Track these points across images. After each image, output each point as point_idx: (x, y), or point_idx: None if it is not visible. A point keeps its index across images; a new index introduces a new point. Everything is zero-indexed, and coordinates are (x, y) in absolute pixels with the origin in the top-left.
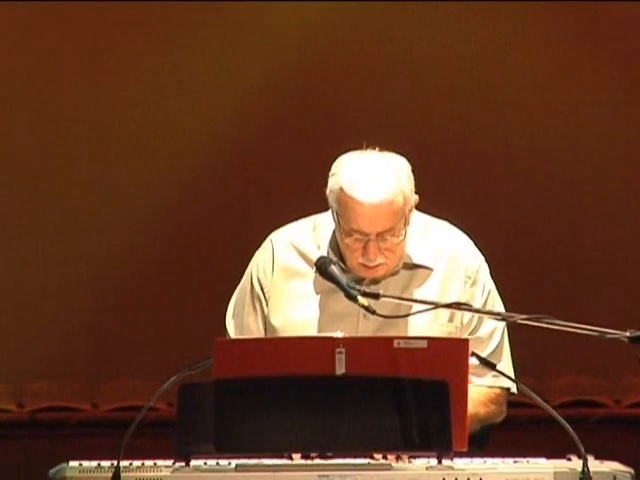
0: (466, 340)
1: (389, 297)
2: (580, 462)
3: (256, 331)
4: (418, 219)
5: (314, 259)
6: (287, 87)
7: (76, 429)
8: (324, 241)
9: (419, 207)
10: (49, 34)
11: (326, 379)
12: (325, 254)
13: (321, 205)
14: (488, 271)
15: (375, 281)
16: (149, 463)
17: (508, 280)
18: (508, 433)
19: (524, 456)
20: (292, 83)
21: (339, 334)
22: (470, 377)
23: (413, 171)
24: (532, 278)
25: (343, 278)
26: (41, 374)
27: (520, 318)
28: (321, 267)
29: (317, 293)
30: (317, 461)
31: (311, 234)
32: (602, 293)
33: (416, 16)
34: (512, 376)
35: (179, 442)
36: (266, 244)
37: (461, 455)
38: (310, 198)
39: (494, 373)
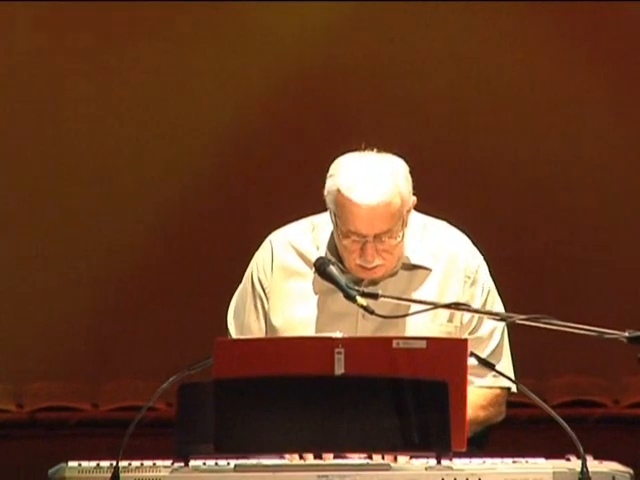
0: (465, 340)
1: (388, 297)
2: (579, 462)
3: (257, 331)
4: (417, 220)
5: (313, 259)
6: (287, 87)
7: (76, 429)
8: (323, 242)
9: (418, 208)
10: (49, 34)
11: (325, 379)
12: (324, 255)
13: (320, 206)
14: (487, 271)
15: (374, 282)
16: (148, 463)
17: (508, 280)
18: (507, 433)
19: (523, 456)
20: (292, 83)
21: (338, 334)
22: (470, 377)
23: (412, 171)
24: (532, 278)
25: (342, 279)
26: (41, 374)
27: (519, 318)
28: (320, 267)
29: (316, 293)
30: (317, 461)
31: (310, 235)
32: (601, 293)
33: (416, 16)
34: (512, 376)
35: (178, 442)
36: (265, 244)
37: (460, 455)
38: (309, 199)
39: (494, 373)
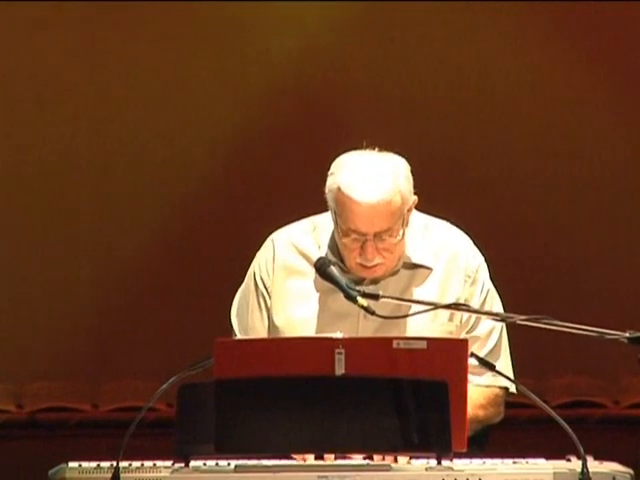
0: (465, 340)
1: (388, 298)
2: (579, 463)
3: (261, 329)
4: (418, 219)
5: (314, 259)
6: (287, 88)
7: (76, 429)
8: (324, 242)
9: (419, 207)
10: (49, 34)
11: (325, 379)
12: (324, 255)
13: (321, 206)
14: (487, 271)
15: (375, 281)
16: (148, 464)
17: (508, 280)
18: (507, 433)
19: (523, 457)
20: (292, 83)
21: (339, 334)
22: (469, 376)
23: (413, 171)
24: (532, 278)
25: (343, 279)
26: (41, 374)
27: (519, 319)
28: (320, 268)
29: (317, 293)
30: (318, 462)
31: (311, 235)
32: (602, 294)
33: (416, 16)
34: (511, 375)
35: (178, 442)
36: (267, 244)
37: (460, 456)
38: (310, 199)
39: (493, 372)
